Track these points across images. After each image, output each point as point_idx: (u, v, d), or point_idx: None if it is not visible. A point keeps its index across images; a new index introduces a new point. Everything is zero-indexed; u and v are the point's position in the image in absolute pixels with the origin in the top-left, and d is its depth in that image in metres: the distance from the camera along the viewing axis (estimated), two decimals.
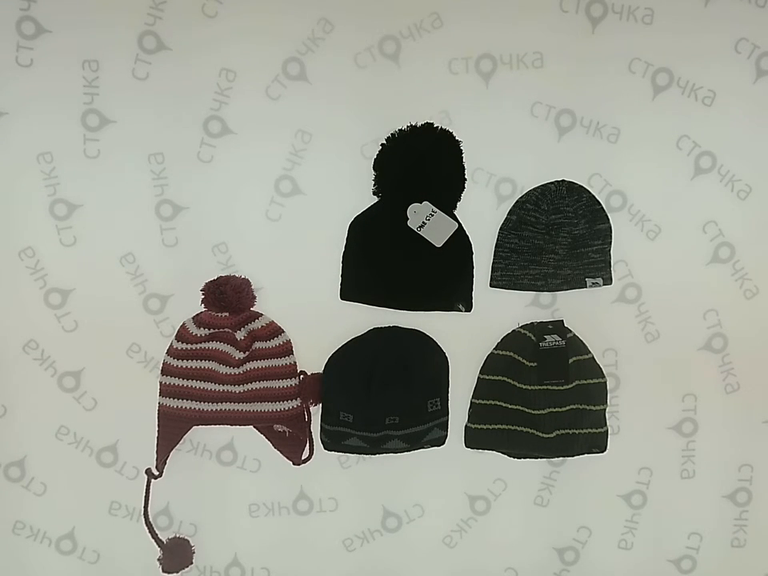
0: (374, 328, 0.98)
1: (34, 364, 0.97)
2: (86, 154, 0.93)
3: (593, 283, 0.99)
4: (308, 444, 0.99)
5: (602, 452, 1.01)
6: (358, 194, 0.95)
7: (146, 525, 0.98)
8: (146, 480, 0.98)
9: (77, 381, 0.98)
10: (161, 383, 0.97)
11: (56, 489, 1.01)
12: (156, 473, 0.98)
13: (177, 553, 0.98)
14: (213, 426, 0.97)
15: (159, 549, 0.98)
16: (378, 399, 0.95)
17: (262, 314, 0.97)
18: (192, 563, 1.00)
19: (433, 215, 0.94)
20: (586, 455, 1.01)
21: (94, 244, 0.95)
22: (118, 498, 1.01)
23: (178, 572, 0.98)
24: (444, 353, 0.99)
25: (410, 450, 0.99)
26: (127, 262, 0.96)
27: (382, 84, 0.93)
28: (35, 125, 0.92)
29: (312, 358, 0.98)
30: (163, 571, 0.97)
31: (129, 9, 0.90)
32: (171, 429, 0.97)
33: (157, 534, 0.98)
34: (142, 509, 0.98)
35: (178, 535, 1.00)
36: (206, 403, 0.96)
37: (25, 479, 1.00)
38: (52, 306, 0.96)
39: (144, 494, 0.98)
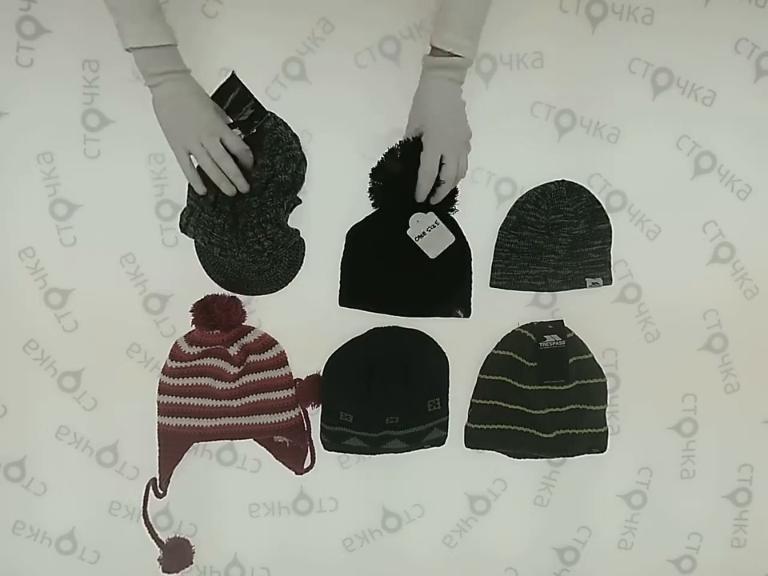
0: (374, 328, 0.98)
1: (34, 364, 0.97)
2: (85, 154, 0.93)
3: (593, 283, 0.99)
4: (309, 453, 0.99)
5: (602, 452, 1.01)
6: (358, 194, 0.95)
7: (146, 525, 0.98)
8: (146, 483, 0.98)
9: (77, 381, 0.98)
10: (159, 402, 0.96)
11: (56, 489, 1.01)
12: (161, 491, 0.98)
13: (177, 553, 0.98)
14: (213, 441, 0.98)
15: (159, 549, 0.98)
16: (378, 399, 0.95)
17: (254, 328, 0.96)
18: (192, 563, 1.00)
19: (434, 227, 0.93)
20: (585, 455, 1.01)
21: (94, 244, 0.95)
22: (118, 498, 1.01)
23: (177, 572, 0.98)
24: (444, 353, 0.99)
25: (410, 450, 0.99)
26: (127, 262, 0.96)
27: (382, 84, 0.93)
28: (35, 125, 0.92)
29: (310, 364, 0.98)
30: (163, 571, 0.97)
31: None
32: (172, 447, 0.97)
33: (157, 534, 0.98)
34: (142, 509, 0.98)
35: (178, 535, 1.00)
36: (205, 419, 0.96)
37: (25, 479, 1.00)
38: (52, 306, 0.96)
39: (144, 495, 0.98)
